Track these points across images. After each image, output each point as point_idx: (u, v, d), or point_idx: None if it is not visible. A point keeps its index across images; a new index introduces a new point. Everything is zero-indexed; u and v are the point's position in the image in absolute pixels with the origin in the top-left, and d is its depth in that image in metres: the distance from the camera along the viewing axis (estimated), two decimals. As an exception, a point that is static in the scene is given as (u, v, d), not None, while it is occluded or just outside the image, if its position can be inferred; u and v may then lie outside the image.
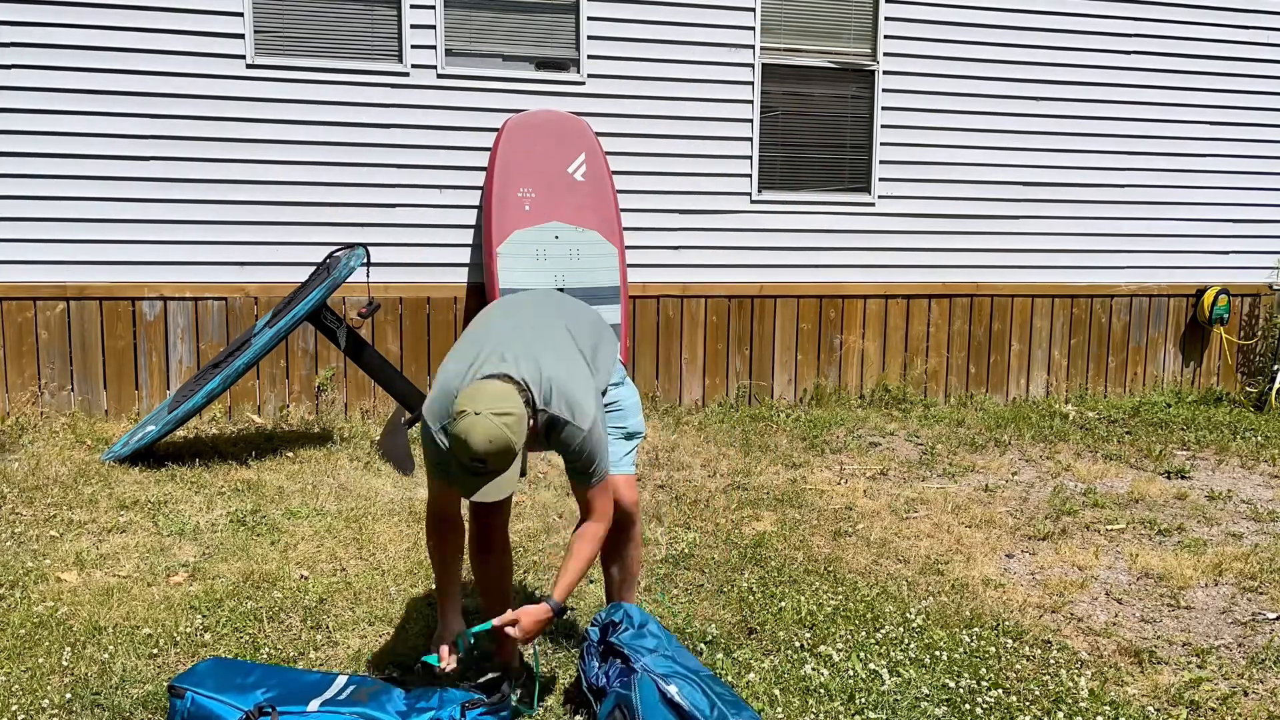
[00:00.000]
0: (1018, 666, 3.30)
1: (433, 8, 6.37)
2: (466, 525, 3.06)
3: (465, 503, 2.93)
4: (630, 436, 3.13)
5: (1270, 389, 7.81)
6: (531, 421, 2.69)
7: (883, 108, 7.22)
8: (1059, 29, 7.48)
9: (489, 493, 2.62)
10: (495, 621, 2.81)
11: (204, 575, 3.87)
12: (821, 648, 3.38)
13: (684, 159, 6.93)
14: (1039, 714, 3.02)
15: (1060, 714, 3.01)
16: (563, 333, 2.92)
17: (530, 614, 2.80)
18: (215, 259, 6.27)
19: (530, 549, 4.27)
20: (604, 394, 3.01)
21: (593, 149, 6.48)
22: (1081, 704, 3.07)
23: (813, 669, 3.24)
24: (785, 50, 7.05)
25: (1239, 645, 3.59)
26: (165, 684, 3.01)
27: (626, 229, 6.62)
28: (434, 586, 3.80)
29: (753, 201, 7.08)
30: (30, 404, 6.06)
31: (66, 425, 5.88)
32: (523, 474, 3.34)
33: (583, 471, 2.83)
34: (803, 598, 3.80)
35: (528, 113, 6.51)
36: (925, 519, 4.83)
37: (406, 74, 6.41)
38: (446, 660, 2.83)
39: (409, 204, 6.51)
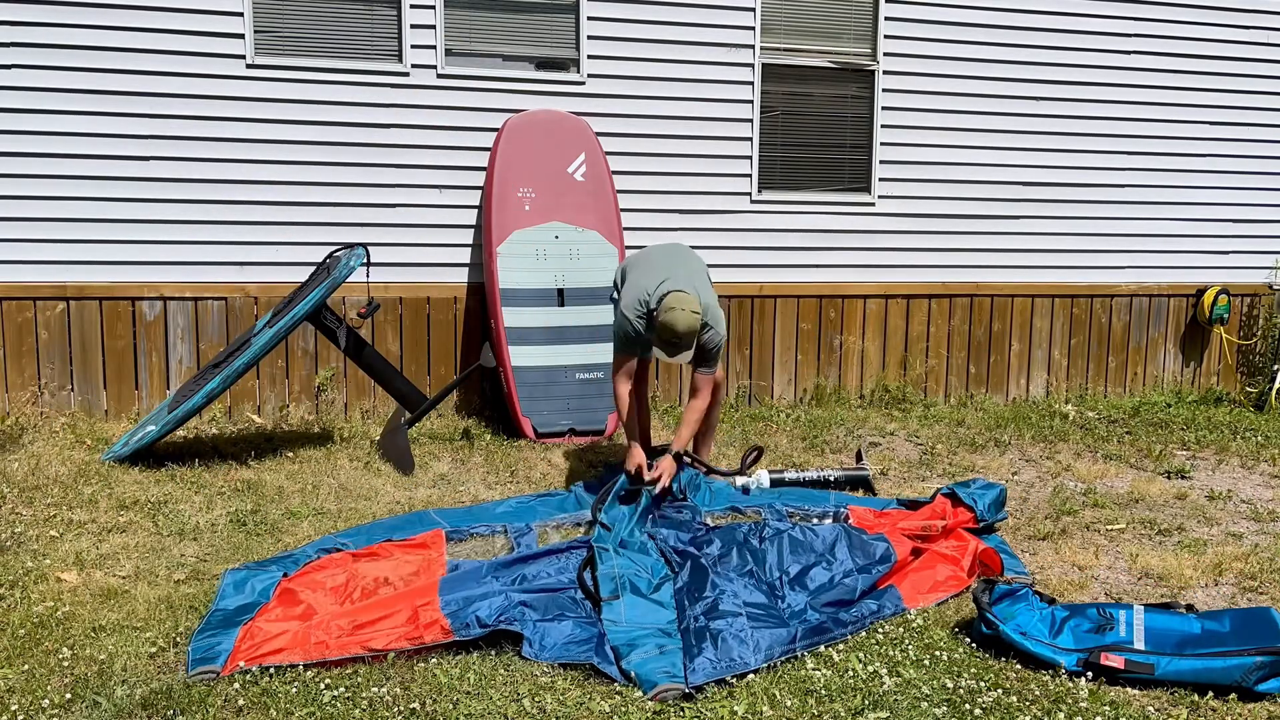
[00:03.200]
0: (1018, 666, 3.30)
1: (433, 8, 6.36)
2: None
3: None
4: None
5: (1270, 389, 7.81)
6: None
7: (883, 108, 7.22)
8: (1059, 29, 7.48)
9: (681, 358, 4.55)
10: (649, 480, 4.56)
11: (204, 575, 3.86)
12: (821, 648, 3.38)
13: (684, 159, 6.93)
14: (1039, 714, 3.02)
15: (1060, 714, 3.01)
16: (704, 273, 4.92)
17: (666, 464, 4.64)
18: (215, 259, 6.27)
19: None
20: None
21: (593, 149, 6.48)
22: (1081, 704, 3.07)
23: (813, 669, 3.24)
24: (785, 50, 7.05)
25: (1239, 645, 3.58)
26: (164, 684, 3.01)
27: (626, 229, 6.61)
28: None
29: (753, 201, 7.08)
30: (30, 404, 6.06)
31: (66, 425, 5.88)
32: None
33: (706, 362, 4.75)
34: (803, 598, 3.79)
35: (528, 113, 6.51)
36: (925, 519, 4.82)
37: (406, 74, 6.41)
38: (649, 473, 4.57)
39: (409, 204, 6.51)
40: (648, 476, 4.56)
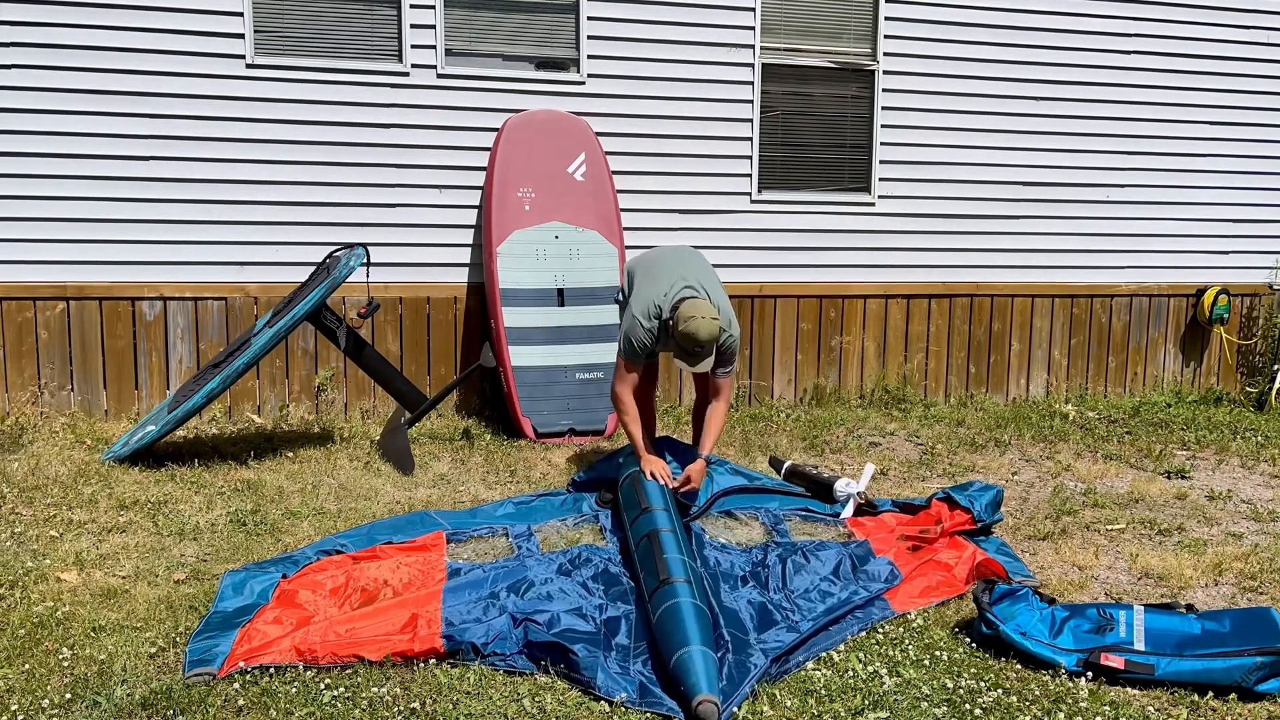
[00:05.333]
0: (1018, 666, 3.30)
1: (433, 8, 6.36)
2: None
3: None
4: None
5: (1270, 389, 7.81)
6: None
7: (883, 108, 7.22)
8: (1059, 29, 7.48)
9: (702, 366, 4.50)
10: (673, 485, 4.42)
11: (204, 575, 3.87)
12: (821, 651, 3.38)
13: (684, 159, 6.93)
14: (1039, 714, 3.02)
15: (1060, 714, 3.01)
16: (713, 275, 4.80)
17: (695, 469, 4.59)
18: (215, 259, 6.27)
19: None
20: None
21: (593, 149, 6.48)
22: (1081, 704, 3.07)
23: (813, 669, 3.24)
24: (785, 50, 7.05)
25: (1239, 645, 3.58)
26: (164, 684, 3.02)
27: (626, 229, 6.62)
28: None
29: (753, 201, 7.08)
30: (30, 404, 6.06)
31: (66, 425, 5.88)
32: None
33: (725, 365, 4.69)
34: (803, 598, 3.79)
35: (528, 113, 6.51)
36: (925, 519, 4.82)
37: (406, 74, 6.41)
38: (668, 480, 4.41)
39: (409, 204, 6.51)
40: (673, 484, 4.42)
